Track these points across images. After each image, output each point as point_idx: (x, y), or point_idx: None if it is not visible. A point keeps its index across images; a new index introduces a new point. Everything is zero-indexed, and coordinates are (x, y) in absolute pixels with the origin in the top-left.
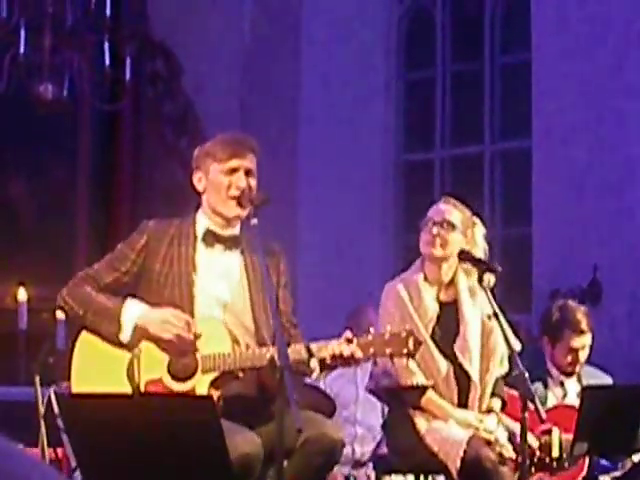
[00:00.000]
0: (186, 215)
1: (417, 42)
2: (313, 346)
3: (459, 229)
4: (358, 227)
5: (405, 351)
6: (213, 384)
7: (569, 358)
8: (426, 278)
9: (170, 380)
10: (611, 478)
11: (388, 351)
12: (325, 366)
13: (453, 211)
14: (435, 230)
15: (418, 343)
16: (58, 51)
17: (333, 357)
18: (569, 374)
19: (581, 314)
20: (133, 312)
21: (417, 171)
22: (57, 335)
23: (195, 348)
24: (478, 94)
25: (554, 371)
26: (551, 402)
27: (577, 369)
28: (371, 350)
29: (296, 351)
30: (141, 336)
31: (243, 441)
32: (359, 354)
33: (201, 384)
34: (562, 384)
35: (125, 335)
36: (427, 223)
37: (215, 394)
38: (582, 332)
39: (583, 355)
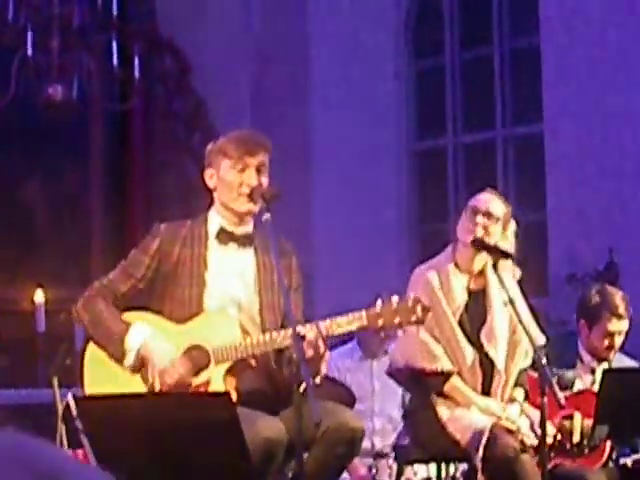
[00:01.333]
0: (198, 215)
1: (426, 29)
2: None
3: (500, 221)
4: (372, 216)
5: (414, 319)
6: (228, 373)
7: (605, 342)
8: (457, 266)
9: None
10: (632, 461)
11: (397, 320)
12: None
13: (497, 203)
14: (479, 219)
15: (426, 310)
16: (66, 52)
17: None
18: (603, 359)
19: (620, 298)
20: (137, 340)
21: (430, 158)
22: (75, 337)
23: (208, 363)
24: (488, 80)
25: (586, 356)
26: (577, 388)
27: (612, 355)
28: (380, 322)
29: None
30: (145, 363)
31: (265, 426)
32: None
33: (215, 375)
34: (593, 371)
35: (128, 362)
36: (470, 211)
37: (231, 383)
38: (620, 317)
39: (619, 340)
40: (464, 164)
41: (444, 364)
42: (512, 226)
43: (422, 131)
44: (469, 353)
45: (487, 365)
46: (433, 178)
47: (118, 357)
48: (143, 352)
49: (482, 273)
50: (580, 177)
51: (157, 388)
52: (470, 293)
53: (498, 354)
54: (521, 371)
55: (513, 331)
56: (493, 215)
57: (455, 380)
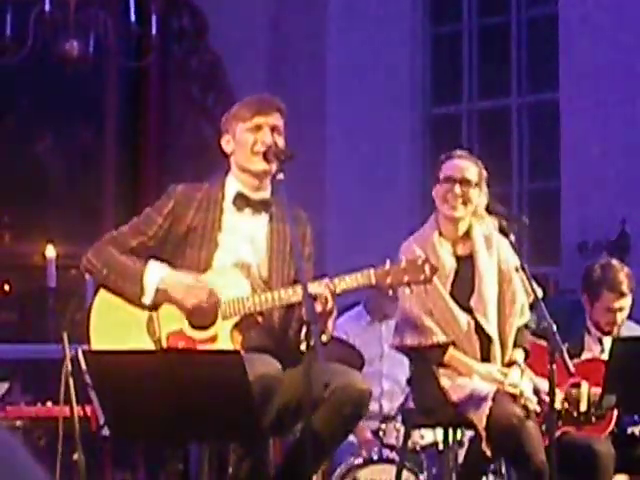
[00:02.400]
0: (215, 178)
1: None
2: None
3: (477, 184)
4: (386, 181)
5: (422, 277)
6: (235, 328)
7: (606, 318)
8: (441, 234)
9: (191, 330)
10: (639, 430)
11: (406, 279)
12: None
13: (471, 167)
14: (457, 190)
15: (434, 269)
16: (83, 8)
17: (332, 293)
18: (606, 333)
19: (623, 275)
20: (155, 275)
21: (445, 124)
22: (86, 292)
23: (214, 318)
24: (505, 47)
25: (592, 329)
26: (586, 357)
27: (615, 330)
28: (388, 280)
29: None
30: (163, 299)
31: (262, 363)
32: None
33: (222, 330)
34: (600, 341)
35: (147, 298)
36: (446, 181)
37: (237, 339)
38: (622, 294)
39: (621, 316)
40: (478, 131)
41: (439, 337)
42: (484, 178)
43: (437, 97)
44: (463, 321)
45: (483, 331)
46: (447, 144)
47: (136, 294)
48: (164, 285)
49: (467, 236)
50: (595, 146)
51: (164, 342)
52: (458, 259)
53: (489, 320)
54: (519, 329)
55: (504, 291)
56: (470, 181)
57: (453, 351)
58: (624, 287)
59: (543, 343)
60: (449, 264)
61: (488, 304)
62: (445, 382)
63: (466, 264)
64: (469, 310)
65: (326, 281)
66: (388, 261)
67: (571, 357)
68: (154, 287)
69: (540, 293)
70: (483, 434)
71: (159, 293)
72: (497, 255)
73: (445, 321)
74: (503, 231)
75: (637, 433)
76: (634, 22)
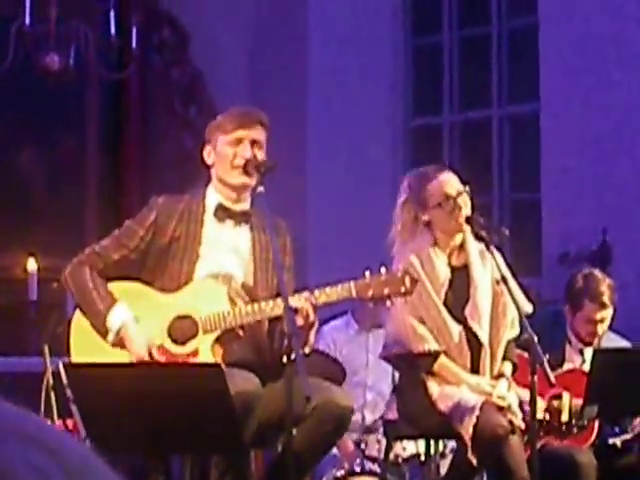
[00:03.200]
0: (196, 189)
1: (424, 7)
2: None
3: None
4: (368, 192)
5: (403, 290)
6: (216, 342)
7: (588, 329)
8: (436, 244)
9: (171, 344)
10: (621, 441)
11: (386, 291)
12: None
13: (454, 178)
14: (460, 201)
15: (414, 281)
16: (63, 21)
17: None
18: (586, 344)
19: (605, 286)
20: (117, 322)
21: (426, 136)
22: (67, 305)
23: (195, 332)
24: (486, 58)
25: (574, 339)
26: (567, 367)
27: (595, 341)
28: (369, 292)
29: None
30: (122, 343)
31: (242, 379)
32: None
33: (203, 345)
34: (581, 352)
35: (109, 339)
36: (446, 201)
37: (218, 352)
38: (603, 305)
39: (602, 328)
40: (459, 142)
41: (431, 345)
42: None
43: (418, 108)
44: (455, 331)
45: (474, 342)
46: (429, 156)
47: (101, 332)
48: (122, 334)
49: (462, 248)
50: (575, 157)
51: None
52: (453, 269)
53: (482, 329)
54: (509, 342)
55: (497, 303)
56: (462, 190)
57: (444, 359)
58: (605, 298)
59: (524, 354)
60: (444, 274)
61: (482, 314)
62: (434, 389)
63: (461, 274)
64: (463, 320)
65: (306, 294)
66: (368, 273)
67: (552, 368)
68: (115, 332)
69: (530, 308)
70: (469, 444)
71: (119, 337)
72: (491, 267)
73: (437, 330)
74: (485, 243)
75: (618, 444)
76: (614, 32)
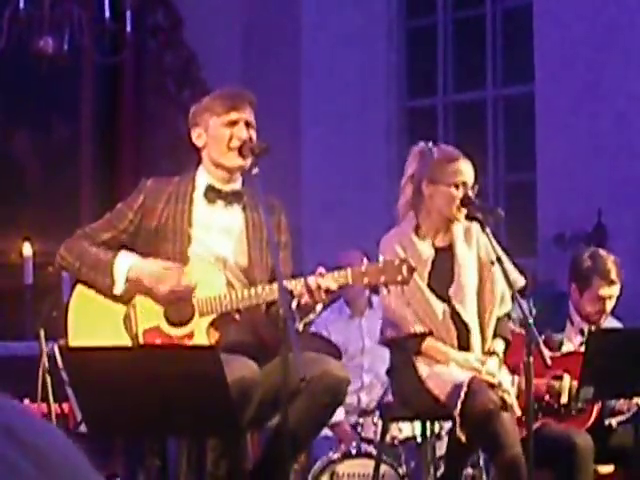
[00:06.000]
0: (187, 169)
1: None
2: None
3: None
4: (363, 174)
5: (399, 278)
6: (212, 326)
7: (596, 307)
8: (419, 228)
9: (168, 326)
10: (617, 422)
11: (382, 279)
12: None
13: (471, 168)
14: (471, 194)
15: (411, 270)
16: (57, 5)
17: (310, 292)
18: (593, 323)
19: (611, 263)
20: (125, 264)
21: (420, 117)
22: (62, 289)
23: (192, 314)
24: (480, 40)
25: (576, 318)
26: (566, 349)
27: (603, 319)
28: (365, 280)
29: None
30: (135, 289)
31: (239, 366)
32: (333, 286)
33: (199, 327)
34: (582, 332)
35: (118, 288)
36: (456, 186)
37: (214, 336)
38: (612, 282)
39: (610, 305)
40: (454, 123)
41: (416, 327)
42: None
43: (413, 90)
44: (439, 310)
45: (460, 320)
46: (423, 137)
47: (107, 285)
48: (133, 274)
49: (447, 228)
50: (570, 138)
51: (141, 339)
52: (437, 250)
53: (467, 309)
54: (499, 319)
55: (484, 281)
56: (474, 184)
57: (431, 340)
58: (613, 275)
59: (523, 331)
60: (427, 253)
61: (467, 293)
62: (423, 370)
63: (445, 255)
64: (448, 300)
65: (303, 280)
66: (365, 261)
67: (551, 349)
68: (124, 277)
69: (522, 281)
70: (458, 420)
71: (130, 283)
72: (477, 246)
73: (422, 311)
74: (480, 223)
75: (614, 424)
76: (610, 15)
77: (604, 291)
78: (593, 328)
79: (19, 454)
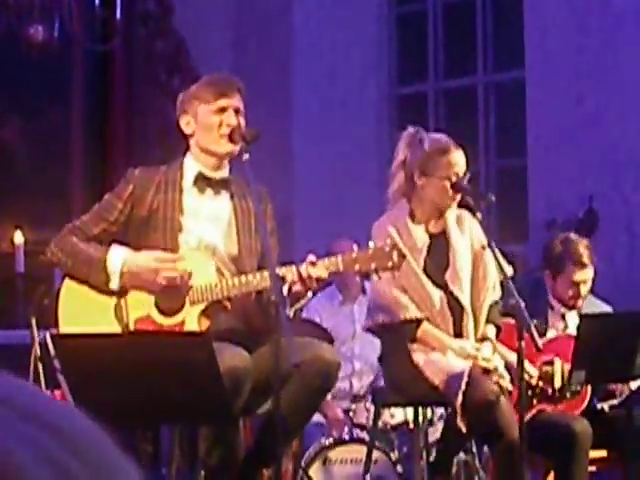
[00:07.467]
0: (173, 161)
1: None
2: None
3: None
4: (353, 161)
5: (390, 264)
6: (202, 314)
7: (570, 292)
8: (413, 214)
9: (158, 315)
10: (609, 406)
11: (373, 266)
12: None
13: (463, 156)
14: (464, 183)
15: (402, 256)
16: None
17: (301, 280)
18: (570, 307)
19: (583, 247)
20: (118, 259)
21: (411, 103)
22: (54, 278)
23: (188, 288)
24: (471, 25)
25: (555, 304)
26: (551, 335)
27: (579, 303)
28: (356, 266)
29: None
30: (130, 283)
31: (231, 355)
32: (324, 274)
33: (190, 316)
34: (563, 317)
35: (113, 283)
36: (450, 179)
37: (205, 324)
38: (584, 265)
39: (585, 289)
40: (445, 109)
41: (412, 312)
42: None
43: (403, 76)
44: (436, 296)
45: (456, 306)
46: (414, 123)
47: (103, 281)
48: (127, 269)
49: (440, 215)
50: (561, 123)
51: (132, 328)
52: (431, 236)
53: (463, 293)
54: (491, 306)
55: (477, 267)
56: (466, 172)
57: (426, 326)
58: (585, 258)
59: (511, 321)
60: (422, 240)
61: (463, 279)
62: (419, 357)
63: (439, 241)
64: (444, 285)
65: (294, 267)
66: (355, 247)
67: (539, 335)
68: (118, 272)
69: (510, 271)
70: (459, 410)
71: (125, 276)
72: (469, 232)
73: (419, 297)
74: (470, 209)
75: (606, 409)
76: (599, 1)
77: (577, 276)
78: (582, 312)
79: (68, 455)
